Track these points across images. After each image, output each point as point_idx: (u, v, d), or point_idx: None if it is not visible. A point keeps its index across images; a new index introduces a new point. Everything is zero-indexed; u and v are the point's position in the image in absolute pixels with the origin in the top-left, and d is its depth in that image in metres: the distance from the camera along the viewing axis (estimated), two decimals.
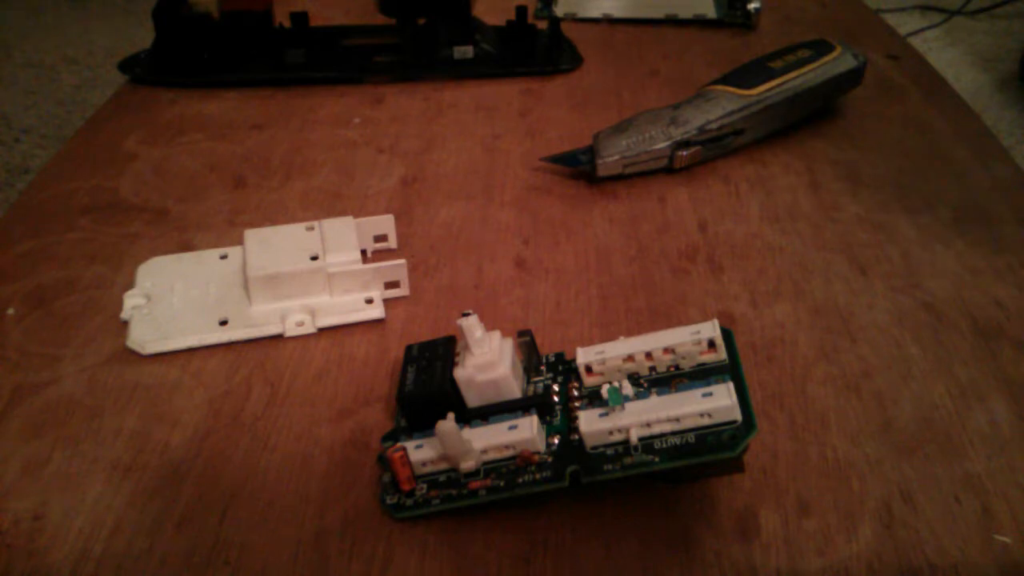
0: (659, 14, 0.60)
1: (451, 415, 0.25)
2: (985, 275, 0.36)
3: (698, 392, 0.24)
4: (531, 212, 0.41)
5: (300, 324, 0.33)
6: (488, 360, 0.27)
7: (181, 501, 0.27)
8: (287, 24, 0.53)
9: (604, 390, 0.25)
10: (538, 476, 0.25)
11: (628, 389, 0.26)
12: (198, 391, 0.31)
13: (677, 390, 0.25)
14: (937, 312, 0.34)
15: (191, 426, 0.30)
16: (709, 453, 0.23)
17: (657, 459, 0.24)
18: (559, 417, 0.27)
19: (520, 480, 0.25)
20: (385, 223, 0.37)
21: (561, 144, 0.45)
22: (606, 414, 0.25)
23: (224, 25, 0.51)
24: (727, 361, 0.26)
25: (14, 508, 0.27)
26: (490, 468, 0.26)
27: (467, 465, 0.26)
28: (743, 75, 0.44)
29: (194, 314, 0.34)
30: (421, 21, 0.54)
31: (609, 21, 0.60)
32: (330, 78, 0.52)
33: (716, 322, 0.26)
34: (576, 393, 0.27)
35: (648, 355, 0.26)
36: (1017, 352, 0.32)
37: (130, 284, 0.36)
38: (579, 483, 0.25)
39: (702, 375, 0.25)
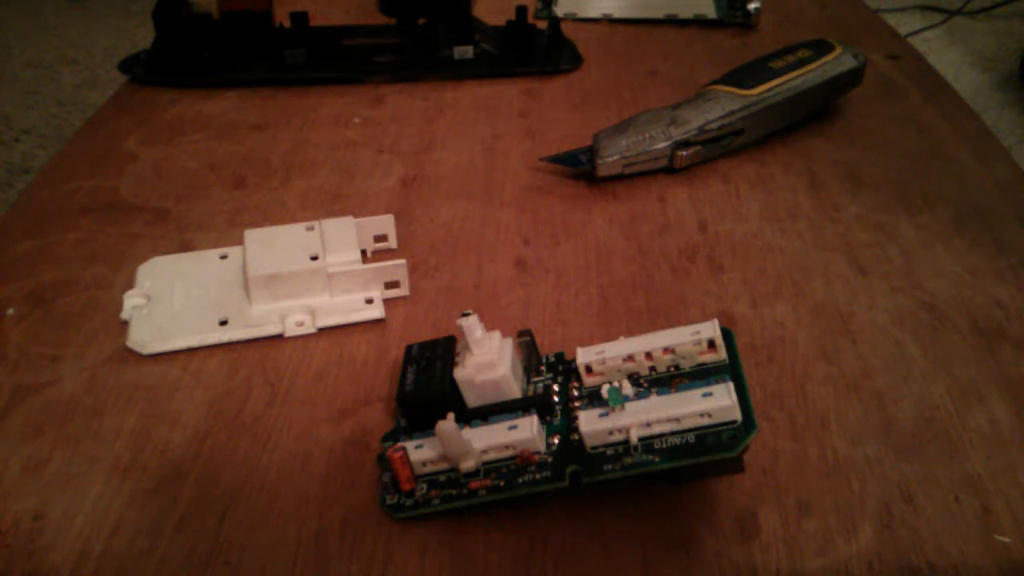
0: (659, 14, 0.60)
1: (451, 415, 0.25)
2: (985, 275, 0.36)
3: (698, 392, 0.24)
4: (531, 212, 0.41)
5: (300, 324, 0.33)
6: (488, 360, 0.27)
7: (181, 501, 0.27)
8: (287, 24, 0.53)
9: (604, 390, 0.25)
10: (538, 476, 0.25)
11: (628, 389, 0.26)
12: (198, 391, 0.31)
13: (677, 390, 0.25)
14: (937, 312, 0.34)
15: (191, 426, 0.30)
16: (709, 453, 0.23)
17: (657, 459, 0.24)
18: (559, 417, 0.27)
19: (520, 480, 0.25)
20: (385, 223, 0.37)
21: (561, 144, 0.45)
22: (606, 414, 0.25)
23: (224, 25, 0.51)
24: (727, 361, 0.26)
25: (14, 508, 0.27)
26: (490, 468, 0.26)
27: (467, 465, 0.26)
28: (743, 75, 0.44)
29: (194, 314, 0.34)
30: (421, 21, 0.54)
31: (609, 21, 0.60)
32: (330, 78, 0.52)
33: (716, 322, 0.26)
34: (576, 393, 0.27)
35: (648, 355, 0.26)
36: (1017, 352, 0.32)
37: (130, 284, 0.36)
38: (579, 483, 0.25)
39: (702, 375, 0.25)
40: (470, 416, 0.27)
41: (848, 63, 0.45)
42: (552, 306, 0.35)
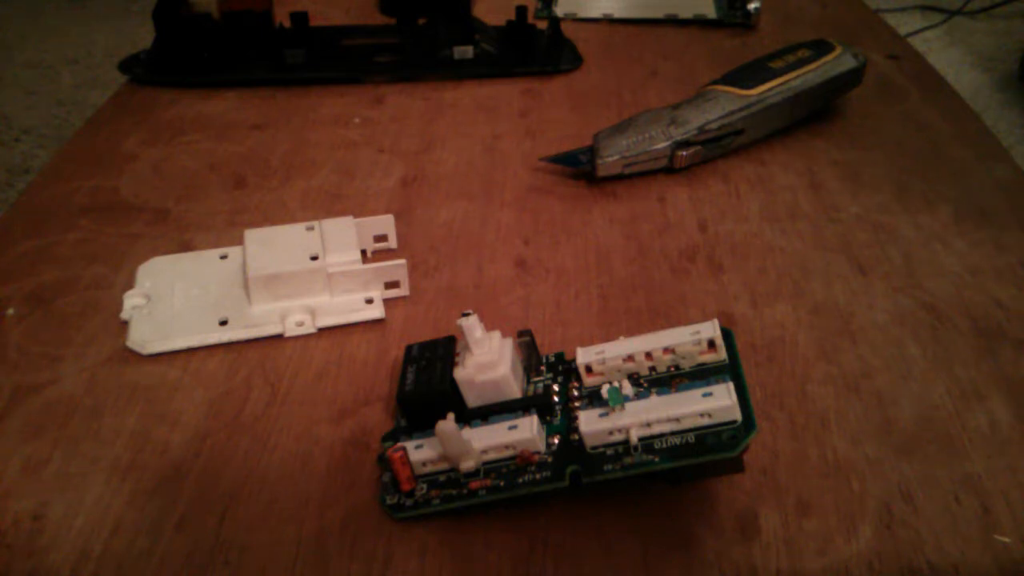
0: (659, 14, 0.60)
1: (451, 415, 0.25)
2: (985, 275, 0.36)
3: (698, 392, 0.24)
4: (531, 212, 0.41)
5: (300, 324, 0.33)
6: (488, 360, 0.27)
7: (181, 501, 0.27)
8: (287, 24, 0.53)
9: (604, 390, 0.25)
10: (538, 476, 0.25)
11: (628, 389, 0.26)
12: (198, 391, 0.31)
13: (677, 390, 0.25)
14: (937, 312, 0.34)
15: (191, 426, 0.30)
16: (709, 453, 0.23)
17: (657, 459, 0.24)
18: (559, 417, 0.27)
19: (520, 480, 0.25)
20: (385, 223, 0.37)
21: (561, 144, 0.45)
22: (606, 414, 0.25)
23: (224, 25, 0.51)
24: (727, 361, 0.26)
25: (14, 508, 0.27)
26: (490, 468, 0.26)
27: (467, 465, 0.26)
28: (743, 75, 0.44)
29: (194, 314, 0.34)
30: (421, 21, 0.54)
31: (609, 21, 0.60)
32: (330, 78, 0.52)
33: (716, 322, 0.26)
34: (576, 393, 0.27)
35: (648, 355, 0.26)
36: (1017, 352, 0.32)
37: (130, 284, 0.36)
38: (579, 483, 0.25)
39: (702, 375, 0.25)
40: (470, 416, 0.27)
41: (848, 63, 0.45)
42: (552, 306, 0.35)
